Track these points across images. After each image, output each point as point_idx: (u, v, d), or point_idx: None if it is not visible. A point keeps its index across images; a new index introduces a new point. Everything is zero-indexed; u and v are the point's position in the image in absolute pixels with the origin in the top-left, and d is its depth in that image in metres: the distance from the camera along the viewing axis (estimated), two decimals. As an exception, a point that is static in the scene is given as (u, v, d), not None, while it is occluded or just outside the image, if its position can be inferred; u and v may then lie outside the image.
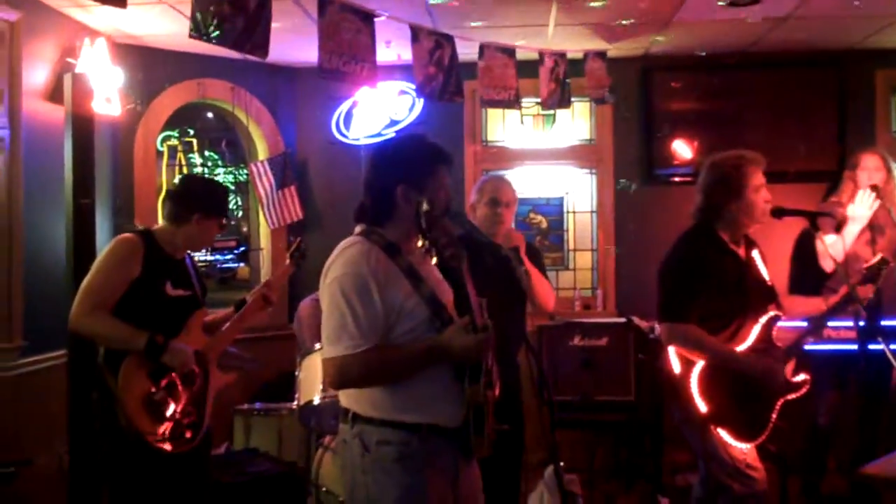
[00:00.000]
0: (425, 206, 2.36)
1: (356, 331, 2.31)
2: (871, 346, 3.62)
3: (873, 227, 4.41)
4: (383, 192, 2.46)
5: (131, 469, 3.23)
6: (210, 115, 6.72)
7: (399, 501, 2.35)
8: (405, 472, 2.36)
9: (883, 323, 3.44)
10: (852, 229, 4.37)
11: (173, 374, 3.22)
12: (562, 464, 2.55)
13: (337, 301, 2.34)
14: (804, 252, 4.64)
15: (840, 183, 4.77)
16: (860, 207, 4.32)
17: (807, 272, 4.56)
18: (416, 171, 2.45)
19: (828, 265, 4.61)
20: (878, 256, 3.45)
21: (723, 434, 3.23)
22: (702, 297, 3.29)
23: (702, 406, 3.25)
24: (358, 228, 2.50)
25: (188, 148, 6.66)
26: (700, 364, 3.28)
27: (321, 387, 4.28)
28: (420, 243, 2.51)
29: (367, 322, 2.32)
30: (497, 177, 4.41)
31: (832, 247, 4.02)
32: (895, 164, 4.77)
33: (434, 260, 2.54)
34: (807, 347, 3.51)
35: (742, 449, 3.24)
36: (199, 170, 6.58)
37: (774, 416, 3.31)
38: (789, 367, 3.40)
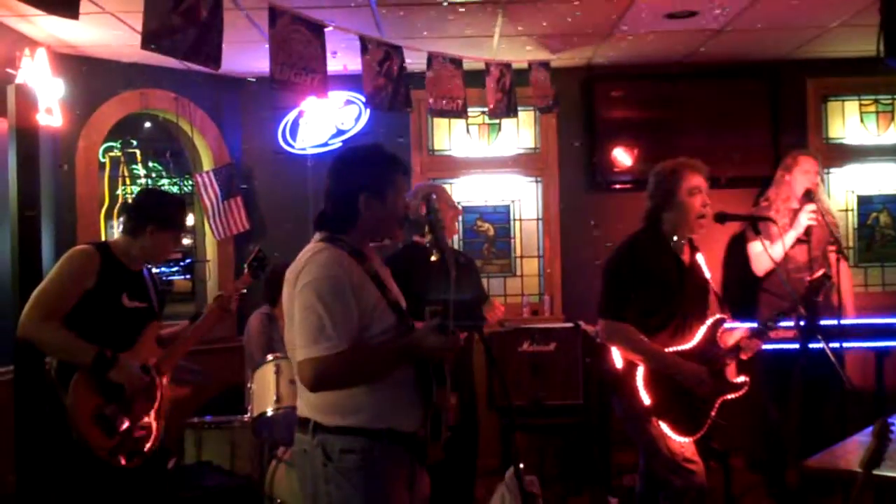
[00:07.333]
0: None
1: (333, 332, 2.32)
2: (812, 346, 3.75)
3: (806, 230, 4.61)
4: (345, 200, 2.49)
5: (84, 484, 3.18)
6: (149, 124, 6.62)
7: (362, 508, 2.36)
8: (368, 479, 2.38)
9: (822, 322, 3.55)
10: (791, 234, 4.56)
11: (125, 388, 3.18)
12: (522, 465, 2.60)
13: (313, 304, 2.35)
14: (736, 257, 4.86)
15: (772, 183, 4.94)
16: (803, 215, 4.53)
17: (738, 276, 4.73)
18: (378, 180, 2.49)
19: (760, 269, 4.79)
20: (821, 272, 3.58)
21: (663, 427, 3.35)
22: (639, 297, 3.41)
23: (646, 398, 3.36)
24: (318, 236, 2.52)
25: (131, 159, 6.55)
26: None
27: (274, 398, 4.28)
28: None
29: (344, 324, 2.34)
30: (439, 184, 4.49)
31: (769, 250, 4.19)
32: (822, 170, 5.00)
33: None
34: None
35: (681, 443, 3.36)
36: (142, 181, 6.48)
37: (714, 413, 3.43)
38: (731, 367, 3.52)
